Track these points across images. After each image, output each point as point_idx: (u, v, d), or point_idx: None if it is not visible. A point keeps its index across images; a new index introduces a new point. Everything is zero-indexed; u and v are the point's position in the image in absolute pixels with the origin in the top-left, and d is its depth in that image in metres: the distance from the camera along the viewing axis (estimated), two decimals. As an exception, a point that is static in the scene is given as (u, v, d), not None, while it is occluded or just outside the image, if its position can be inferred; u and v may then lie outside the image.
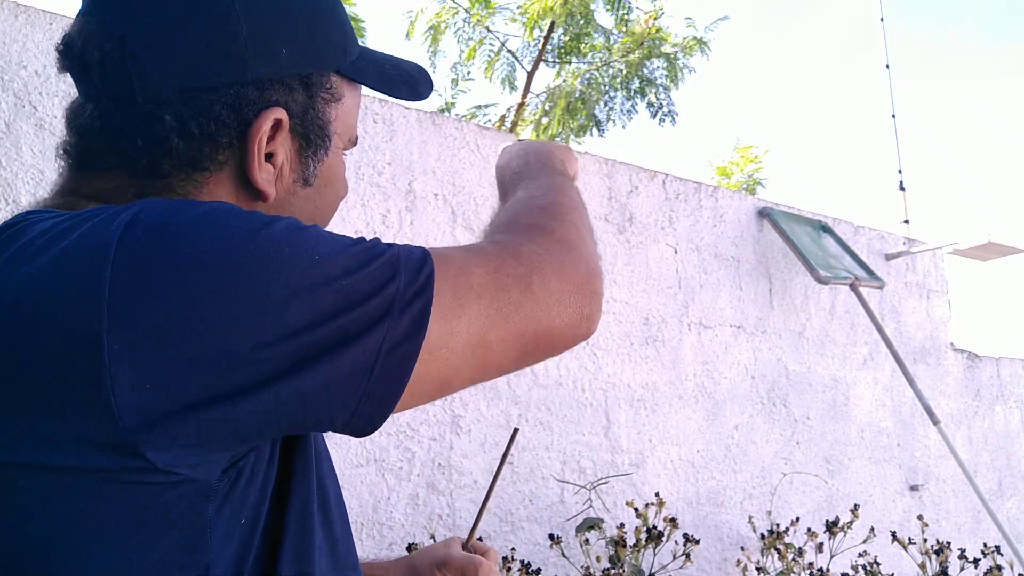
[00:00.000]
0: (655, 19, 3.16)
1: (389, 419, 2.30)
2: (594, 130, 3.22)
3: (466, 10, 3.31)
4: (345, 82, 0.73)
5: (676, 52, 3.15)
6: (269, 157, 0.68)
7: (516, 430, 0.98)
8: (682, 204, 3.37)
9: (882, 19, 5.38)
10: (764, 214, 3.62)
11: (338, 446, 2.39)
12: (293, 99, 0.68)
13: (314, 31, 0.69)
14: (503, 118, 3.42)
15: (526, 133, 3.10)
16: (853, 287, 3.52)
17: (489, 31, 3.31)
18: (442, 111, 2.91)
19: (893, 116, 5.09)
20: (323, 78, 0.70)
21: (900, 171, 5.03)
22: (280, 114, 0.67)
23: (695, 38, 3.21)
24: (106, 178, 0.67)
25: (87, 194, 0.67)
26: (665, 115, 3.25)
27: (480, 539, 1.02)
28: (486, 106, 3.49)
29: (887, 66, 5.24)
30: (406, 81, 0.78)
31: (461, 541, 1.01)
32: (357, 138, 0.77)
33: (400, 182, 2.68)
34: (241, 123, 0.66)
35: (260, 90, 0.66)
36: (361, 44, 0.78)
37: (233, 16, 0.65)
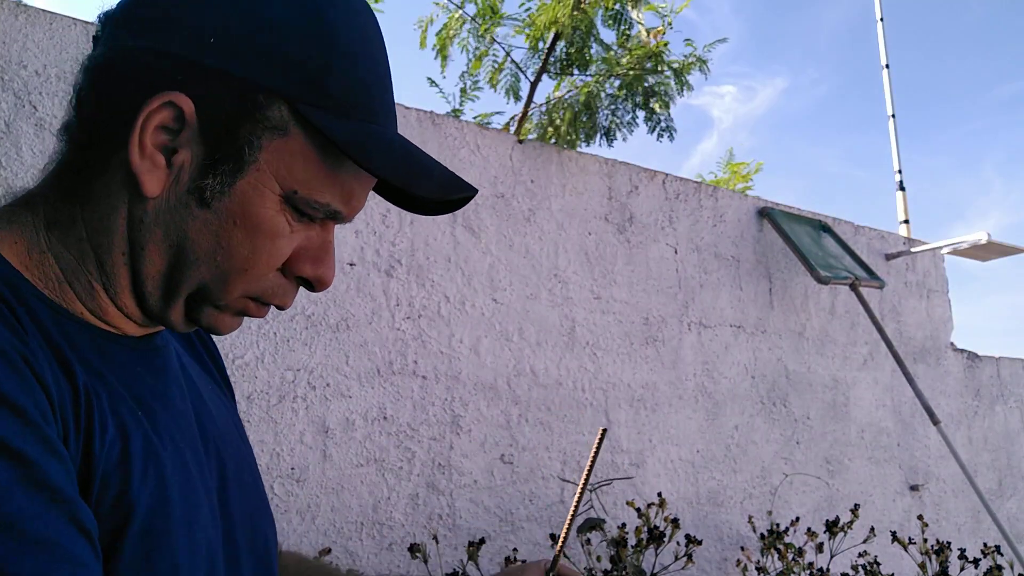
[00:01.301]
0: (663, 33, 3.20)
1: (389, 419, 2.29)
2: (602, 140, 3.26)
3: (473, 19, 3.33)
4: (299, 125, 0.62)
5: (679, 68, 3.20)
6: (172, 154, 0.61)
7: (604, 431, 0.90)
8: (682, 204, 3.37)
9: (881, 19, 5.38)
10: (764, 214, 3.62)
11: (338, 445, 2.39)
12: (209, 96, 0.60)
13: (268, 46, 0.61)
14: (507, 126, 3.44)
15: (530, 138, 3.12)
16: (853, 287, 3.52)
17: (496, 41, 3.34)
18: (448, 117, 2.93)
19: (892, 116, 5.09)
20: (259, 96, 0.60)
21: (900, 171, 5.03)
22: (181, 100, 0.60)
23: (695, 56, 3.25)
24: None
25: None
26: (663, 130, 3.28)
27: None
28: (491, 115, 3.52)
29: (886, 66, 5.24)
30: (413, 168, 0.65)
31: (544, 567, 0.88)
32: (329, 207, 0.65)
33: (400, 182, 2.67)
34: (136, 93, 0.60)
35: (165, 64, 0.60)
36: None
37: None
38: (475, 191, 0.70)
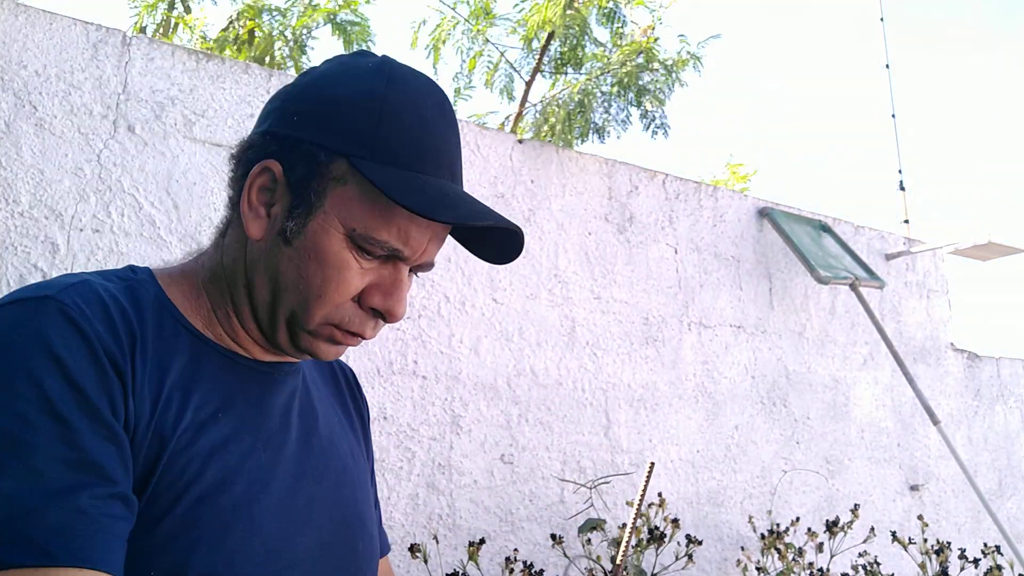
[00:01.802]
0: (652, 29, 3.21)
1: (389, 419, 2.29)
2: (595, 137, 3.27)
3: (466, 20, 3.34)
4: (356, 175, 0.76)
5: (671, 64, 3.20)
6: (271, 207, 0.79)
7: (652, 465, 0.95)
8: (682, 204, 3.37)
9: (882, 19, 5.37)
10: (764, 214, 3.62)
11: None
12: (291, 159, 0.78)
13: (332, 117, 0.77)
14: (502, 125, 3.46)
15: (526, 137, 3.12)
16: (853, 287, 3.52)
17: (489, 42, 3.35)
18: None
19: (893, 116, 5.09)
20: (322, 154, 0.77)
21: (900, 171, 5.03)
22: (273, 165, 0.78)
23: (689, 52, 3.25)
24: None
25: None
26: (658, 127, 3.29)
27: None
28: (485, 114, 3.55)
29: (887, 66, 5.23)
30: (439, 201, 0.76)
31: None
32: (387, 244, 0.77)
33: (400, 182, 2.67)
34: (249, 164, 0.80)
35: (266, 140, 0.80)
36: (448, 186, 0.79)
37: (280, 92, 0.84)
38: (514, 225, 0.80)
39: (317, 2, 4.36)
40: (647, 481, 0.93)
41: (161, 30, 4.86)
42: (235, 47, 4.45)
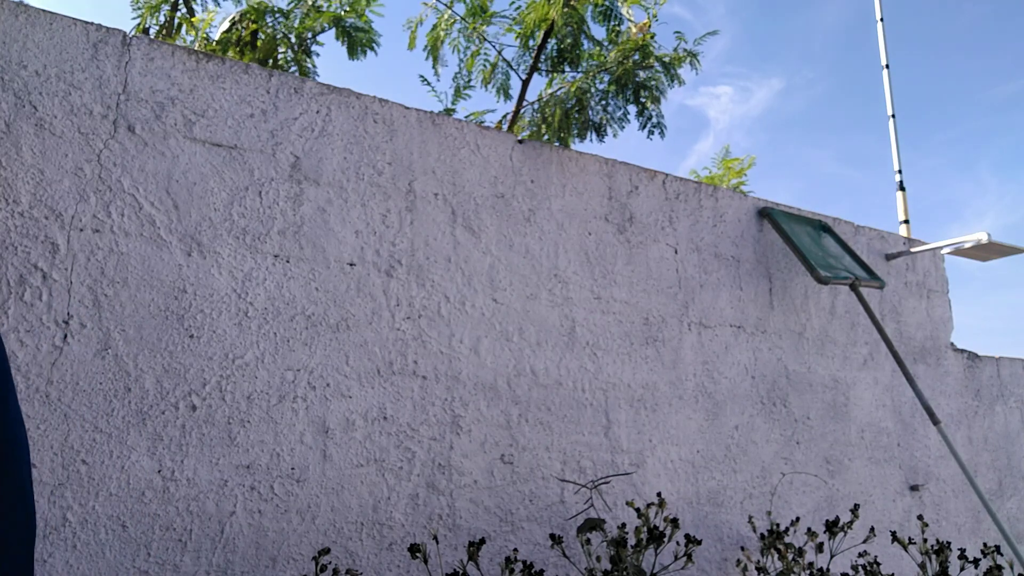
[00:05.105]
0: (649, 27, 3.23)
1: (389, 419, 2.29)
2: (594, 135, 3.28)
3: (463, 19, 3.36)
4: None
5: (668, 61, 3.22)
6: None
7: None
8: (682, 204, 3.37)
9: (881, 19, 5.38)
10: (764, 214, 3.62)
11: (338, 445, 2.39)
12: None
13: None
14: (500, 124, 3.47)
15: (523, 135, 3.12)
16: (853, 287, 3.52)
17: (486, 40, 3.37)
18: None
19: (892, 116, 5.10)
20: None
21: (900, 171, 5.03)
22: None
23: (685, 50, 3.27)
24: None
25: None
26: (654, 127, 3.30)
27: None
28: (484, 112, 3.57)
29: (886, 66, 5.24)
30: None
31: None
32: None
33: (400, 182, 2.68)
34: None
35: None
36: None
37: None
38: None
39: (321, 5, 4.37)
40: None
41: (164, 31, 4.86)
42: (238, 49, 4.46)
